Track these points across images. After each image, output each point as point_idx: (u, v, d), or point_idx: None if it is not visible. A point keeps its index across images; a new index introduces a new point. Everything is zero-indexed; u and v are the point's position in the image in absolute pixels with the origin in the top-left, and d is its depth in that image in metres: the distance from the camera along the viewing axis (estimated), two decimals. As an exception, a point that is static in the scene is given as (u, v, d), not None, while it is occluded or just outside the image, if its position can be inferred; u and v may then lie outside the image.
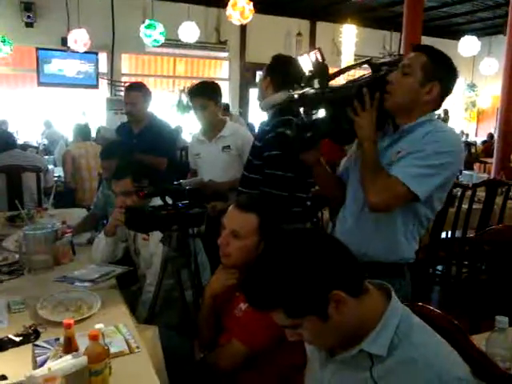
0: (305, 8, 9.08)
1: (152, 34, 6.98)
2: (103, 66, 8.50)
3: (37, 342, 1.57)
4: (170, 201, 2.11)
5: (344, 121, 1.64)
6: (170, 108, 8.58)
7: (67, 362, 1.26)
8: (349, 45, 8.64)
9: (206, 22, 8.63)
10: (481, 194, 3.92)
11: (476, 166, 8.72)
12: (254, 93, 8.51)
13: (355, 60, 8.03)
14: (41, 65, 7.95)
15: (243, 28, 8.71)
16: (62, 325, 1.40)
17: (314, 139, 1.71)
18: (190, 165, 3.38)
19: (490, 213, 3.87)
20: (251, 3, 5.95)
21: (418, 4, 5.75)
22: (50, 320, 1.73)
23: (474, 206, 3.75)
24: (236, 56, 9.38)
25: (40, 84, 8.11)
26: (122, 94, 4.08)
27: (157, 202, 2.17)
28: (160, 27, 6.96)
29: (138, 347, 1.58)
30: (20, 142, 7.14)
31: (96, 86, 8.44)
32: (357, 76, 1.72)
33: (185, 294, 2.12)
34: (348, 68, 1.78)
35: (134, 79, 7.71)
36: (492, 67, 9.31)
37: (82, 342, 1.38)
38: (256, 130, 3.29)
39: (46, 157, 6.67)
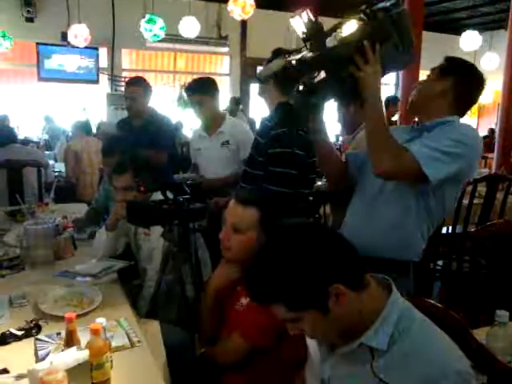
0: (305, 3, 9.05)
1: (152, 29, 6.95)
2: (103, 61, 8.48)
3: (38, 336, 1.58)
4: (170, 195, 2.11)
5: (347, 79, 1.56)
6: (170, 103, 8.57)
7: (69, 356, 1.27)
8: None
9: (206, 17, 8.60)
10: (481, 189, 3.92)
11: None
12: (254, 88, 8.49)
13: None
14: (41, 60, 7.93)
15: (244, 23, 8.68)
16: (64, 319, 1.41)
17: (318, 104, 1.66)
18: (191, 159, 3.39)
19: (490, 208, 3.87)
20: (252, -2, 5.93)
21: (418, -1, 5.71)
22: (52, 314, 1.73)
23: (475, 201, 3.74)
24: (237, 51, 9.35)
25: (40, 79, 8.09)
26: (123, 89, 4.08)
27: (158, 196, 2.18)
28: (160, 22, 6.93)
29: (139, 341, 1.59)
30: (21, 137, 7.14)
31: (96, 82, 8.42)
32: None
33: (185, 289, 2.13)
34: (341, 23, 1.63)
35: (134, 74, 7.67)
36: (493, 62, 9.27)
37: (84, 336, 1.39)
38: (257, 126, 3.29)
39: (47, 152, 6.68)
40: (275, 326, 1.46)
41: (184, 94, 8.44)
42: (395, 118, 5.47)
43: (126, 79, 5.03)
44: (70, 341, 1.38)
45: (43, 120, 7.97)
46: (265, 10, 8.15)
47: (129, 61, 9.03)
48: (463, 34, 8.11)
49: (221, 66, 9.85)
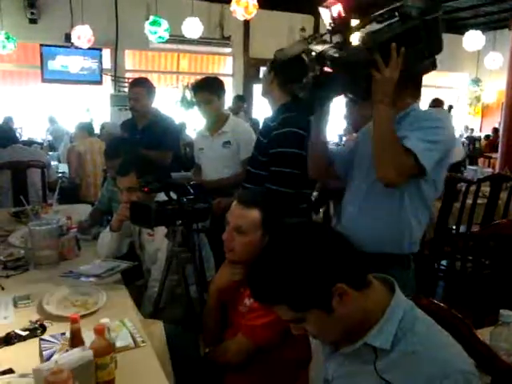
0: (308, 3, 9.04)
1: (157, 31, 6.97)
2: (107, 62, 8.50)
3: (43, 337, 1.59)
4: (174, 196, 2.12)
5: (362, 80, 1.53)
6: (173, 104, 8.58)
7: (74, 356, 1.27)
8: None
9: (209, 18, 8.61)
10: (485, 188, 3.91)
11: (480, 160, 8.69)
12: (257, 88, 8.49)
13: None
14: (45, 61, 7.96)
15: (247, 23, 8.69)
16: (68, 319, 1.42)
17: (328, 97, 1.65)
18: (194, 160, 3.40)
19: (494, 208, 3.86)
20: (255, -2, 5.93)
21: (422, -2, 5.71)
22: (56, 315, 1.74)
23: (479, 201, 3.74)
24: (240, 52, 9.36)
25: (44, 80, 8.12)
26: (126, 90, 4.09)
27: (161, 197, 2.18)
28: (165, 24, 6.95)
29: (143, 342, 1.59)
30: (24, 138, 7.17)
31: (100, 83, 8.45)
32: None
33: (189, 289, 2.13)
34: (370, 19, 1.57)
35: (137, 75, 7.70)
36: (497, 62, 9.24)
37: (88, 337, 1.39)
38: (260, 126, 3.29)
39: (51, 153, 6.70)
40: (279, 327, 1.46)
41: (187, 95, 8.49)
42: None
43: (130, 80, 5.05)
44: (75, 341, 1.39)
45: (47, 121, 7.99)
46: (268, 10, 8.15)
47: (132, 62, 9.05)
48: (466, 34, 8.10)
49: (224, 66, 9.86)
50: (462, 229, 3.75)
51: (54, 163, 5.51)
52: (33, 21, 7.59)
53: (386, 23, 1.50)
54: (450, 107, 10.60)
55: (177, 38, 7.81)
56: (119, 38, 8.20)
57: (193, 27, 7.17)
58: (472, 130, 11.77)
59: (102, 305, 1.84)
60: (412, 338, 1.02)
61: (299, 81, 1.64)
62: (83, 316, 1.67)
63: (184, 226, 2.07)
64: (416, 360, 0.99)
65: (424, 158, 1.54)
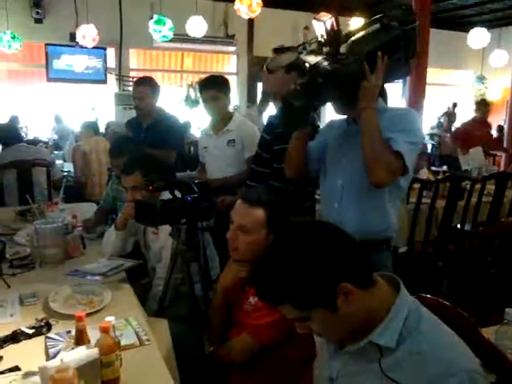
0: (312, 1, 9.03)
1: (161, 30, 6.97)
2: (111, 61, 8.52)
3: (49, 335, 1.60)
4: (179, 194, 2.12)
5: (351, 89, 1.64)
6: (178, 103, 8.59)
7: (79, 354, 1.27)
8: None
9: (213, 17, 8.60)
10: (490, 186, 3.90)
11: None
12: (261, 87, 8.47)
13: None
14: (50, 60, 7.97)
15: (251, 22, 8.68)
16: (74, 317, 1.42)
17: (318, 105, 1.72)
18: (199, 158, 3.40)
19: (499, 206, 3.85)
20: (259, -4, 5.92)
21: (426, -4, 5.69)
22: (62, 313, 1.75)
23: (484, 199, 3.73)
24: (244, 50, 9.34)
25: (49, 80, 8.14)
26: (131, 88, 4.10)
27: (166, 195, 2.19)
28: (169, 23, 6.95)
29: (148, 340, 1.60)
30: (30, 137, 7.20)
31: (104, 82, 8.46)
32: None
33: (194, 288, 2.14)
34: (358, 30, 1.69)
35: (142, 74, 7.71)
36: (502, 59, 9.19)
37: (94, 335, 1.40)
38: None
39: (56, 152, 6.72)
40: (283, 326, 1.47)
41: (192, 94, 8.50)
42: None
43: (134, 79, 5.05)
44: (80, 339, 1.40)
45: (53, 120, 8.02)
46: (272, 8, 8.14)
47: (136, 60, 9.06)
48: (471, 31, 8.06)
49: (228, 65, 9.86)
50: (467, 227, 3.74)
51: (59, 162, 5.54)
52: (38, 20, 7.61)
53: (368, 32, 1.63)
54: (455, 105, 10.57)
55: (181, 37, 7.81)
56: (123, 37, 8.20)
57: (197, 26, 7.17)
58: (477, 128, 11.71)
59: (107, 303, 1.85)
60: (417, 336, 1.02)
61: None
62: (88, 314, 1.68)
63: (188, 225, 2.07)
64: (421, 359, 0.99)
65: (408, 159, 1.66)
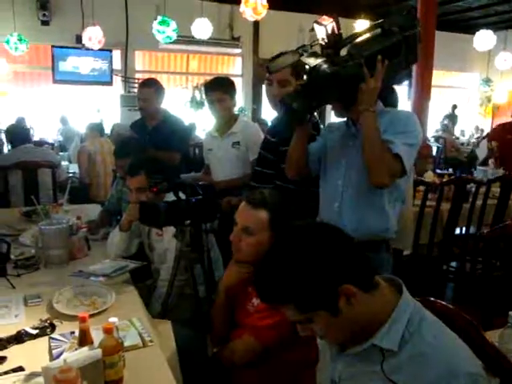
0: (317, 3, 9.03)
1: (165, 31, 6.99)
2: (117, 63, 8.55)
3: (53, 335, 1.60)
4: (183, 196, 2.13)
5: (350, 92, 1.66)
6: (183, 104, 8.60)
7: (82, 355, 1.28)
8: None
9: (218, 19, 8.62)
10: (495, 189, 3.88)
11: (491, 161, 8.61)
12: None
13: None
14: (56, 62, 8.01)
15: (256, 24, 8.68)
16: (78, 318, 1.43)
17: (316, 107, 1.74)
18: (204, 160, 3.41)
19: (504, 209, 3.83)
20: (264, -1, 5.93)
21: (432, -2, 5.69)
22: (66, 314, 1.76)
23: (489, 202, 3.71)
24: (249, 52, 9.36)
25: (55, 81, 8.18)
26: (136, 90, 4.11)
27: (171, 197, 2.19)
28: (173, 24, 6.97)
29: (151, 341, 1.60)
30: (36, 138, 7.23)
31: (110, 83, 8.49)
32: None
33: (198, 289, 2.14)
34: (359, 34, 1.73)
35: (147, 76, 7.74)
36: (508, 62, 9.15)
37: (97, 336, 1.41)
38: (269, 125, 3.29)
39: (61, 153, 6.75)
40: (286, 327, 1.47)
41: (197, 96, 8.52)
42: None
43: (140, 81, 5.07)
44: (84, 340, 1.40)
45: (59, 121, 8.05)
46: (277, 10, 8.15)
47: (142, 62, 9.09)
48: (477, 34, 8.03)
49: (233, 67, 9.87)
50: (472, 230, 3.72)
51: (64, 163, 5.55)
52: (45, 22, 7.65)
53: (369, 36, 1.67)
54: (454, 106, 10.54)
55: (186, 39, 7.83)
56: (129, 39, 8.24)
57: (202, 28, 7.19)
58: (482, 130, 11.68)
59: (111, 304, 1.85)
60: (419, 339, 1.02)
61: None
62: (92, 315, 1.69)
63: (193, 226, 2.07)
64: (423, 361, 0.99)
65: (407, 162, 1.69)
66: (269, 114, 7.97)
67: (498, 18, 10.00)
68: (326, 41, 1.68)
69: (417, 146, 1.79)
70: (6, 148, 6.47)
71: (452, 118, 10.44)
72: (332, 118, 2.11)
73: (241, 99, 9.26)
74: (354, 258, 1.04)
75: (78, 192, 4.68)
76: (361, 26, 8.53)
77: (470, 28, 9.42)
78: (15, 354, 1.49)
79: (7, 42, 7.00)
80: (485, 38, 7.99)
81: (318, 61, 1.64)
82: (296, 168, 1.99)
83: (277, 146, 2.38)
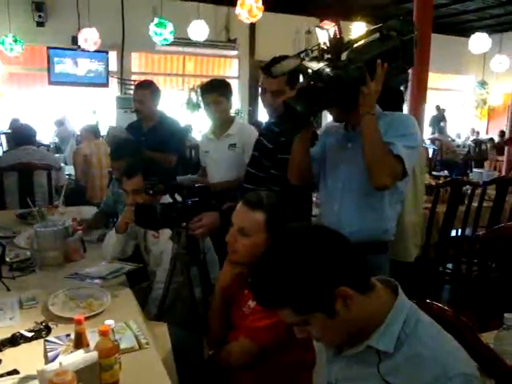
0: (314, 6, 9.05)
1: (162, 33, 7.00)
2: (113, 65, 8.55)
3: (48, 338, 1.60)
4: (179, 198, 2.12)
5: (352, 95, 1.68)
6: (179, 106, 8.60)
7: (78, 357, 1.27)
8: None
9: (215, 21, 8.63)
10: (491, 191, 3.89)
11: (486, 163, 8.66)
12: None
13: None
14: (51, 64, 8.00)
15: (252, 26, 8.70)
16: (73, 321, 1.42)
17: (318, 110, 1.76)
18: (200, 162, 3.41)
19: (500, 211, 3.85)
20: (260, 1, 5.93)
21: (427, 1, 5.70)
22: (61, 316, 1.75)
23: (484, 204, 3.73)
24: (245, 54, 9.38)
25: (51, 83, 8.17)
26: (132, 92, 4.11)
27: (167, 199, 2.19)
28: (170, 26, 6.98)
29: (147, 343, 1.60)
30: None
31: (106, 85, 8.49)
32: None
33: (194, 291, 2.14)
34: (358, 39, 1.76)
35: (143, 78, 7.73)
36: (503, 64, 9.22)
37: (93, 338, 1.41)
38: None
39: (57, 155, 6.73)
40: (282, 329, 1.46)
41: (193, 97, 8.52)
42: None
43: (135, 82, 5.07)
44: (79, 342, 1.40)
45: (55, 124, 8.03)
46: (273, 12, 8.17)
47: (138, 64, 9.10)
48: (472, 36, 8.08)
49: (229, 69, 9.89)
50: (468, 232, 3.73)
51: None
52: (40, 24, 7.64)
53: (368, 41, 1.71)
54: (438, 107, 10.58)
55: (183, 41, 7.85)
56: (125, 40, 8.24)
57: (199, 30, 7.20)
58: (478, 132, 11.73)
59: (107, 306, 1.84)
60: (415, 340, 1.02)
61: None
62: (88, 317, 1.68)
63: (189, 229, 2.07)
64: (419, 363, 0.99)
65: (407, 163, 1.71)
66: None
67: (493, 21, 10.07)
68: (328, 45, 1.70)
69: (417, 149, 1.81)
70: (1, 150, 6.47)
71: (440, 118, 10.50)
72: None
73: (237, 101, 9.27)
74: (350, 260, 1.04)
75: (74, 194, 4.67)
76: (357, 28, 8.58)
77: (466, 31, 9.48)
78: (10, 357, 1.48)
79: (2, 43, 6.99)
80: (480, 41, 8.05)
81: (321, 65, 1.66)
82: (299, 173, 1.99)
83: (273, 153, 2.37)
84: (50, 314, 1.77)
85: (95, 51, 7.48)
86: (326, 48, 1.71)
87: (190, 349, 1.86)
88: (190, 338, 1.95)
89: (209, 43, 8.24)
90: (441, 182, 3.98)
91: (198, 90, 7.09)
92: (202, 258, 2.27)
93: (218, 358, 1.76)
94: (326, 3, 8.91)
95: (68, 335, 1.58)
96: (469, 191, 3.70)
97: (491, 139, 10.24)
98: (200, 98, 3.49)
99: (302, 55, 1.78)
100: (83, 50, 7.46)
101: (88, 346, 1.39)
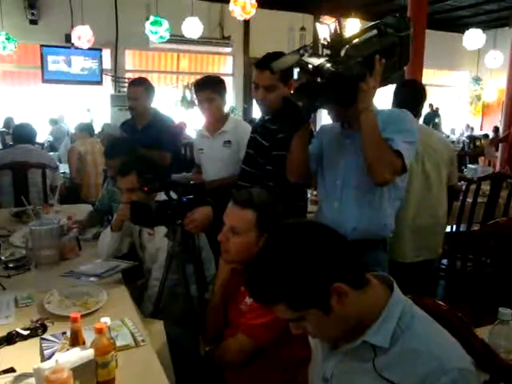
0: (308, 2, 9.05)
1: (158, 31, 6.98)
2: (107, 63, 8.52)
3: (44, 336, 1.59)
4: (174, 196, 2.12)
5: (351, 91, 1.69)
6: (174, 104, 8.58)
7: (74, 355, 1.27)
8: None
9: (209, 18, 8.61)
10: (485, 187, 3.91)
11: (481, 159, 8.69)
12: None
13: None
14: (45, 62, 7.97)
15: (247, 23, 8.70)
16: (69, 319, 1.42)
17: (317, 106, 1.76)
18: (195, 160, 3.40)
19: (494, 206, 3.86)
20: (253, -2, 5.94)
21: (422, -3, 5.71)
22: (57, 314, 1.75)
23: (479, 200, 3.74)
24: (240, 51, 9.36)
25: (44, 81, 8.13)
26: (126, 90, 4.11)
27: (162, 197, 2.19)
28: (165, 24, 6.96)
29: (143, 341, 1.60)
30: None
31: (100, 83, 8.46)
32: None
33: (189, 289, 2.14)
34: (356, 35, 1.76)
35: (137, 75, 7.71)
36: (497, 60, 9.24)
37: (89, 336, 1.40)
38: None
39: (51, 153, 6.71)
40: (279, 326, 1.47)
41: (187, 95, 8.50)
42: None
43: (129, 80, 5.06)
44: (75, 340, 1.40)
45: (49, 123, 7.99)
46: (267, 9, 8.16)
47: (132, 62, 9.06)
48: (467, 32, 8.10)
49: (224, 66, 9.87)
50: (463, 228, 3.75)
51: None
52: (33, 22, 7.61)
53: (366, 37, 1.71)
54: (431, 105, 10.61)
55: (177, 38, 7.82)
56: (119, 38, 8.21)
57: (193, 27, 7.18)
58: (472, 128, 11.77)
59: (103, 304, 1.85)
60: (410, 335, 1.02)
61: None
62: (84, 315, 1.68)
63: (184, 226, 2.07)
64: (414, 358, 0.99)
65: (407, 158, 1.72)
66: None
67: (488, 17, 10.09)
68: (328, 40, 1.70)
69: (415, 144, 1.82)
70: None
71: (434, 116, 10.52)
72: (326, 120, 2.13)
73: (231, 99, 9.26)
74: (344, 256, 1.05)
75: (69, 192, 4.66)
76: (352, 24, 8.57)
77: (460, 27, 9.49)
78: (6, 355, 1.48)
79: (-5, 41, 6.95)
80: (474, 37, 8.07)
81: (321, 60, 1.66)
82: (297, 171, 2.00)
83: (269, 150, 2.37)
84: (46, 312, 1.77)
85: (89, 49, 7.46)
86: (326, 43, 1.72)
87: (186, 346, 1.86)
88: (186, 334, 1.95)
89: (203, 40, 8.22)
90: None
91: (192, 88, 7.09)
92: (197, 256, 2.27)
93: (215, 354, 1.76)
94: (319, 0, 8.91)
95: (64, 333, 1.58)
96: (463, 187, 3.72)
97: (486, 135, 10.28)
98: (194, 96, 3.48)
99: (301, 51, 1.78)
100: (77, 48, 7.43)
101: (84, 343, 1.39)
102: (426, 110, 10.67)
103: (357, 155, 1.77)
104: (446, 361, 0.98)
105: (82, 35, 7.03)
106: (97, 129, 6.11)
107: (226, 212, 1.72)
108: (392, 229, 1.96)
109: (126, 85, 7.34)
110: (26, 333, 1.59)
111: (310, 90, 1.67)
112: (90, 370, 1.28)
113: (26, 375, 1.33)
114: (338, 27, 1.70)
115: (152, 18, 6.99)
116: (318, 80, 1.65)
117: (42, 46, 7.90)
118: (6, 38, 6.98)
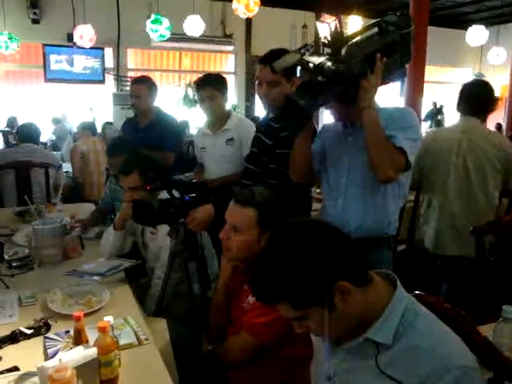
0: (310, 0, 9.03)
1: (158, 29, 6.97)
2: (109, 62, 8.52)
3: (47, 335, 1.60)
4: (177, 194, 2.12)
5: (352, 89, 1.69)
6: (176, 102, 8.58)
7: (77, 354, 1.28)
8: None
9: (211, 16, 8.60)
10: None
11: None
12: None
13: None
14: (47, 61, 7.97)
15: (248, 21, 8.68)
16: (72, 317, 1.43)
17: (322, 104, 1.76)
18: (196, 159, 3.40)
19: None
20: (256, -4, 5.92)
21: (424, -6, 5.69)
22: (60, 313, 1.75)
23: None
24: (242, 49, 9.35)
25: (47, 80, 8.14)
26: (129, 88, 4.11)
27: (164, 195, 2.19)
28: (166, 22, 6.95)
29: (146, 339, 1.60)
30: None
31: (102, 82, 8.46)
32: None
33: (192, 287, 2.14)
34: (357, 33, 1.77)
35: (140, 74, 7.71)
36: (500, 56, 9.20)
37: (92, 334, 1.41)
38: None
39: (54, 152, 6.73)
40: (282, 324, 1.47)
41: (190, 93, 8.49)
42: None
43: (132, 79, 5.05)
44: (79, 339, 1.40)
45: (51, 122, 8.00)
46: (270, 7, 8.14)
47: (134, 60, 9.06)
48: (469, 29, 8.06)
49: (226, 64, 9.86)
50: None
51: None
52: (35, 21, 7.61)
53: (367, 35, 1.72)
54: (435, 104, 10.57)
55: (179, 37, 7.81)
56: (121, 36, 8.21)
57: (194, 25, 7.17)
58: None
59: (106, 303, 1.85)
60: (413, 333, 1.02)
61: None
62: (87, 314, 1.69)
63: (186, 224, 2.07)
64: (417, 355, 0.99)
65: (410, 155, 1.72)
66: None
67: (491, 14, 10.04)
68: (329, 38, 1.70)
69: (418, 141, 1.82)
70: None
71: (436, 113, 10.49)
72: (328, 120, 2.12)
73: (234, 97, 9.26)
74: (347, 254, 1.04)
75: (71, 191, 4.66)
76: (354, 22, 8.56)
77: (463, 23, 9.46)
78: (10, 354, 1.49)
79: (-3, 40, 6.95)
80: (477, 33, 8.03)
81: (322, 59, 1.66)
82: (301, 170, 2.00)
83: (272, 149, 2.36)
84: (49, 311, 1.78)
85: (91, 48, 7.45)
86: (326, 42, 1.72)
87: (189, 344, 1.86)
88: (189, 333, 1.95)
89: (205, 38, 8.21)
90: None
91: (194, 86, 7.08)
92: (200, 254, 2.27)
93: (218, 353, 1.77)
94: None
95: (67, 332, 1.58)
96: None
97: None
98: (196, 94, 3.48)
99: (303, 50, 1.78)
100: (79, 47, 7.43)
101: (87, 342, 1.39)
102: (429, 107, 10.66)
103: (360, 153, 1.78)
104: (449, 358, 0.97)
105: (84, 34, 7.03)
106: (99, 128, 6.11)
107: (228, 210, 1.73)
108: (396, 226, 1.95)
109: (129, 83, 7.38)
110: (29, 332, 1.60)
111: (312, 89, 1.67)
112: (93, 369, 1.29)
113: (29, 374, 1.34)
114: (338, 25, 1.70)
115: (153, 17, 6.99)
116: (319, 79, 1.64)
117: (44, 45, 7.90)
118: (9, 38, 6.98)
